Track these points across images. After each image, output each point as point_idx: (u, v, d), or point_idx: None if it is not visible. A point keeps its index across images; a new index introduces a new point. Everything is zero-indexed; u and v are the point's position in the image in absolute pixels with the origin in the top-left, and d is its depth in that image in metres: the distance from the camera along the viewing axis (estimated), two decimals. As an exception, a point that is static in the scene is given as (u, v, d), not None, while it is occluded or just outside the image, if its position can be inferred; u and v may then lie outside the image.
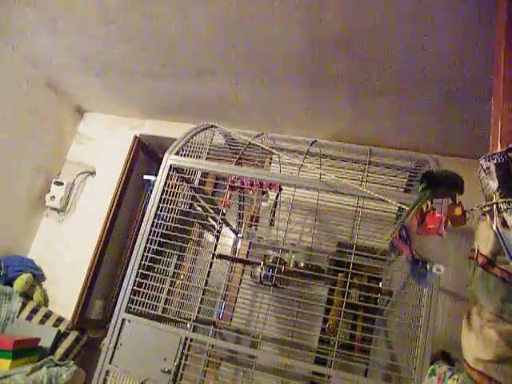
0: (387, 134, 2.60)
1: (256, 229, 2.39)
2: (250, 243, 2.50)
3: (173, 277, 1.88)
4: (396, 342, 1.87)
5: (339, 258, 2.03)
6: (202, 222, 2.12)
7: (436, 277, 1.09)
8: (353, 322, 2.09)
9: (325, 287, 2.31)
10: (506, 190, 1.00)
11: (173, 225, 1.77)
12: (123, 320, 1.65)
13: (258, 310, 2.37)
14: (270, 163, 2.30)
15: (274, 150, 1.76)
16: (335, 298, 1.94)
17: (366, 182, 1.76)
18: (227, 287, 2.43)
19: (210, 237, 2.40)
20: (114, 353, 1.62)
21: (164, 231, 1.75)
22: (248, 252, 2.53)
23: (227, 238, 2.49)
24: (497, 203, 1.00)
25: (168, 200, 1.76)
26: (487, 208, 1.02)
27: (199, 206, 2.06)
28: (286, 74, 2.27)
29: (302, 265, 2.22)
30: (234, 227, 2.44)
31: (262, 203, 2.32)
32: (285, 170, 1.88)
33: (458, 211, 1.06)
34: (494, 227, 0.98)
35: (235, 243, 2.44)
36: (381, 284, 2.05)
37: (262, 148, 1.78)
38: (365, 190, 1.37)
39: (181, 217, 1.86)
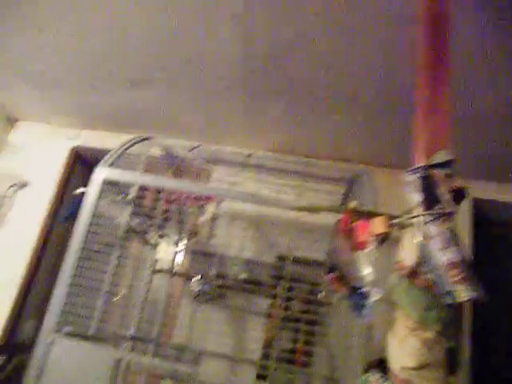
0: (324, 146, 2.65)
1: (196, 242, 2.35)
2: (191, 256, 2.45)
3: (108, 293, 1.81)
4: (335, 352, 1.90)
5: (279, 269, 2.04)
6: (138, 235, 2.06)
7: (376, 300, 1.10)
8: (293, 334, 2.10)
9: (266, 300, 2.31)
10: (428, 202, 1.04)
11: (107, 242, 1.71)
12: (51, 341, 1.55)
13: (199, 324, 2.33)
14: (208, 175, 2.28)
15: (208, 164, 1.76)
16: (273, 310, 1.94)
17: (302, 193, 1.79)
18: (167, 302, 2.36)
19: (149, 251, 2.34)
20: (40, 377, 1.52)
21: (98, 247, 1.68)
22: (188, 266, 2.47)
23: (167, 252, 2.43)
24: (420, 215, 1.04)
25: (102, 215, 1.69)
26: (411, 220, 1.07)
27: (137, 219, 2.00)
28: (222, 86, 2.27)
29: (243, 277, 2.21)
30: (174, 240, 2.38)
31: (203, 216, 2.29)
32: (222, 183, 1.87)
33: (382, 223, 1.09)
34: (418, 239, 1.02)
35: (175, 257, 2.39)
36: (319, 295, 2.07)
37: (199, 160, 1.77)
38: (295, 202, 1.39)
39: (117, 231, 1.80)
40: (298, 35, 1.83)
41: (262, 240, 2.41)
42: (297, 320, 1.96)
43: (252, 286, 2.18)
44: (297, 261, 1.79)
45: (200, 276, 2.02)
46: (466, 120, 2.14)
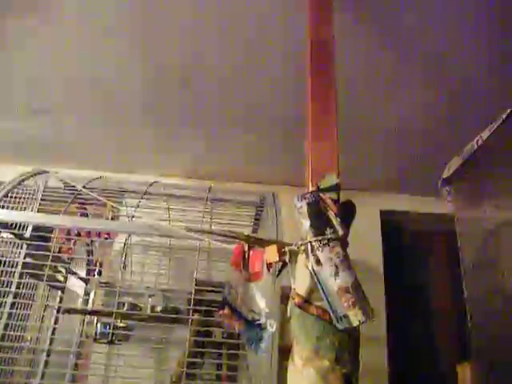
0: (239, 169, 2.66)
1: (107, 277, 2.22)
2: (102, 293, 2.31)
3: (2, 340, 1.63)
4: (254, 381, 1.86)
5: (195, 296, 1.98)
6: (42, 276, 1.91)
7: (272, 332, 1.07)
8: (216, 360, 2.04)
9: (186, 329, 2.22)
10: (317, 228, 1.04)
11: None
12: None
13: (115, 363, 2.19)
14: (113, 207, 2.18)
15: (115, 194, 1.68)
16: (189, 338, 1.87)
17: (211, 219, 1.76)
18: (79, 344, 2.20)
19: (55, 291, 2.17)
20: None
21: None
22: (100, 303, 2.33)
23: (76, 290, 2.28)
24: (310, 242, 1.03)
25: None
26: (303, 247, 1.06)
27: (35, 259, 1.85)
28: (130, 113, 2.21)
29: (159, 309, 2.12)
30: (82, 277, 2.24)
31: (114, 247, 2.18)
32: (128, 214, 1.78)
33: (275, 252, 1.07)
34: (310, 266, 1.01)
35: (84, 295, 2.24)
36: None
37: (102, 191, 1.68)
38: (193, 233, 1.35)
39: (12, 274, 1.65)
40: (201, 58, 1.83)
41: (178, 268, 2.33)
42: (218, 345, 1.91)
43: (170, 316, 2.10)
44: (214, 286, 1.75)
45: (96, 319, 1.90)
46: (375, 136, 2.24)
